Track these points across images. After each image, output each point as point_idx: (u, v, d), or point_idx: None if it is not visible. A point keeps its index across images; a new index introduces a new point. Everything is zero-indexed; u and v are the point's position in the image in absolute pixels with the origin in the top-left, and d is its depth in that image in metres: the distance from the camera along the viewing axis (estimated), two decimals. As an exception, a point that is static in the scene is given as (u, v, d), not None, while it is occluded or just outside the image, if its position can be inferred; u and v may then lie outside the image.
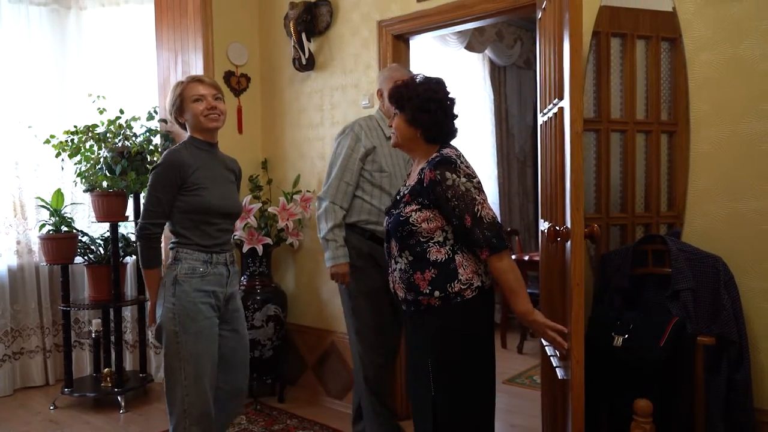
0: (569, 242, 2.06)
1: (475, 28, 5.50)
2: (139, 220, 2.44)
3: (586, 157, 2.81)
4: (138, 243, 2.45)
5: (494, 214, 2.10)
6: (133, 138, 4.08)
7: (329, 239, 2.88)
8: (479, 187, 2.10)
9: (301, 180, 4.10)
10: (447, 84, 2.23)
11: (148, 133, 4.18)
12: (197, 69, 4.07)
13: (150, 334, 4.57)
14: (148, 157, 4.14)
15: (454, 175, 2.06)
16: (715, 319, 2.32)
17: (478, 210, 2.05)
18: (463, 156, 2.17)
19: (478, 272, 2.13)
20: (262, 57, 4.35)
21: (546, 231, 2.49)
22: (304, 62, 3.93)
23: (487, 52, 6.14)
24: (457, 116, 2.22)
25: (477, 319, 2.15)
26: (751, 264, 2.43)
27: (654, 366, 2.26)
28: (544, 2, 2.64)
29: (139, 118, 4.17)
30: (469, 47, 5.81)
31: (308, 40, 3.92)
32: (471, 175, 2.10)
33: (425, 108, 2.13)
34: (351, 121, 3.05)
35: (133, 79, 4.66)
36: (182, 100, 2.49)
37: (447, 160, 2.09)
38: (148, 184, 2.44)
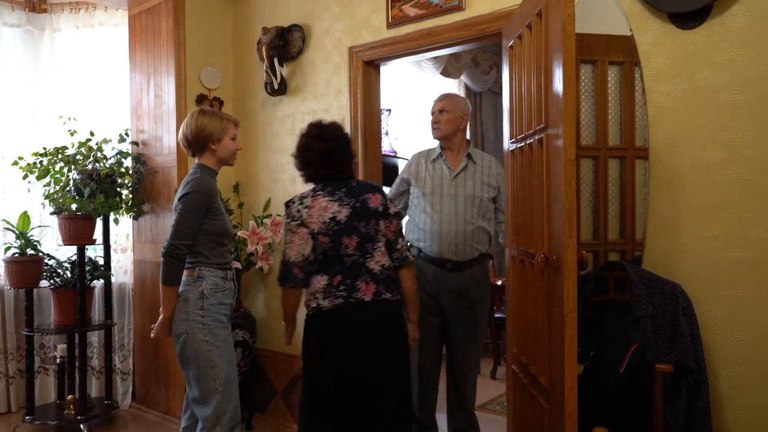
0: (559, 269, 2.07)
1: (450, 55, 5.57)
2: (169, 240, 2.61)
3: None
4: (165, 260, 2.61)
5: (293, 254, 2.52)
6: (104, 160, 4.05)
7: None
8: (291, 228, 2.55)
9: (272, 204, 4.09)
10: (325, 128, 2.69)
11: (119, 156, 4.15)
12: (170, 92, 4.08)
13: (117, 360, 4.49)
14: (118, 179, 4.11)
15: (285, 214, 2.60)
16: (674, 345, 2.33)
17: (285, 247, 2.56)
18: (310, 197, 2.58)
19: (316, 294, 2.52)
20: (235, 81, 4.36)
21: (528, 259, 2.47)
22: (276, 87, 3.95)
23: (463, 77, 6.21)
24: (328, 161, 2.62)
25: (309, 334, 2.57)
26: (709, 290, 2.45)
27: (614, 393, 2.26)
28: (519, 30, 2.67)
29: (110, 141, 4.14)
30: (445, 73, 5.88)
31: (281, 65, 3.94)
32: (293, 216, 2.56)
33: (296, 154, 2.72)
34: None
35: (106, 102, 4.64)
36: (225, 133, 2.78)
37: (289, 202, 2.62)
38: (180, 208, 2.64)
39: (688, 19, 2.50)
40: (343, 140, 2.69)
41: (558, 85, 2.09)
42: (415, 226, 3.12)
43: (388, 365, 2.50)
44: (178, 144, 4.02)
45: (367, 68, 3.63)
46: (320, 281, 2.53)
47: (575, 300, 2.03)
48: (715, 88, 2.45)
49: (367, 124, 3.61)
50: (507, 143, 2.85)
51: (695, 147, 2.50)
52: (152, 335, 2.74)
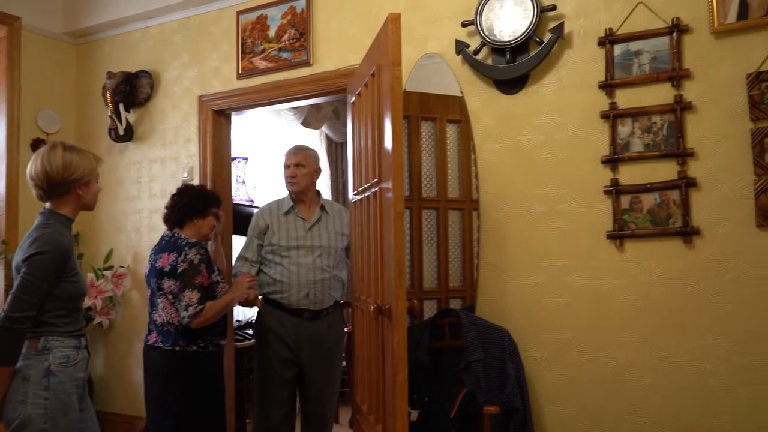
0: (391, 318, 2.12)
1: (312, 106, 5.66)
2: (7, 311, 2.09)
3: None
4: (2, 337, 2.10)
5: None
6: None
7: None
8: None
9: (115, 254, 3.86)
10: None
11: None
12: (0, 135, 3.77)
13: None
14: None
15: None
16: (503, 388, 2.47)
17: None
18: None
19: None
20: (78, 125, 4.13)
21: (365, 309, 2.51)
22: (121, 133, 3.79)
23: (324, 128, 6.33)
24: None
25: None
26: (533, 334, 2.64)
27: (447, 438, 2.34)
28: (359, 88, 2.79)
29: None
30: (306, 123, 5.96)
31: (127, 110, 3.80)
32: None
33: None
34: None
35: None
36: (93, 175, 2.30)
37: None
38: (25, 272, 2.12)
39: (509, 85, 2.76)
40: (181, 195, 2.78)
41: (388, 141, 2.20)
42: (270, 278, 3.07)
43: (154, 408, 2.68)
44: (8, 189, 3.72)
45: (217, 117, 3.60)
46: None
47: (405, 348, 2.10)
48: (534, 148, 2.70)
49: (216, 173, 3.56)
50: (351, 194, 2.93)
51: (519, 201, 2.72)
52: None
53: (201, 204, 2.73)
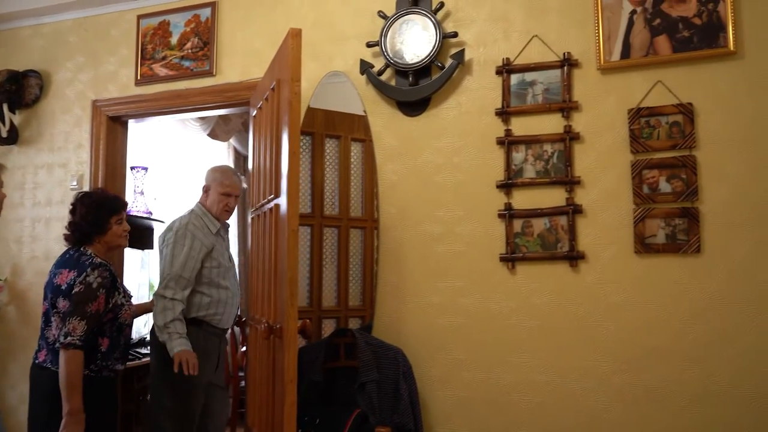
0: (282, 338, 2.06)
1: (220, 117, 5.52)
2: None
3: (301, 251, 2.89)
4: None
5: None
6: None
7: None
8: None
9: (-9, 266, 3.57)
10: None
11: None
12: None
13: None
14: None
15: None
16: (396, 408, 2.46)
17: None
18: None
19: None
20: (-45, 125, 3.80)
21: (259, 328, 2.44)
22: (4, 135, 3.53)
23: (232, 140, 6.18)
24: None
25: None
26: (428, 354, 2.66)
27: (337, 461, 2.30)
28: (260, 102, 2.73)
29: None
30: (213, 135, 5.79)
31: (12, 111, 3.54)
32: None
33: None
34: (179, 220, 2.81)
35: None
36: None
37: None
38: None
39: (412, 107, 2.80)
40: (74, 213, 2.51)
41: (284, 157, 2.17)
42: (210, 301, 2.84)
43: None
44: None
45: (112, 123, 3.42)
46: None
47: (296, 369, 2.05)
48: (433, 170, 2.75)
49: (108, 182, 3.37)
50: (249, 210, 2.86)
51: (418, 221, 2.75)
52: None
53: (96, 218, 2.44)
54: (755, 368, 2.28)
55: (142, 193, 4.54)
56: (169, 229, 2.82)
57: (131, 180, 4.30)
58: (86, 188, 3.38)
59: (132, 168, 4.35)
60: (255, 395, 2.61)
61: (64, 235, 2.49)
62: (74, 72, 3.53)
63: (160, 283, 2.64)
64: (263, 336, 2.24)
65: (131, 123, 3.58)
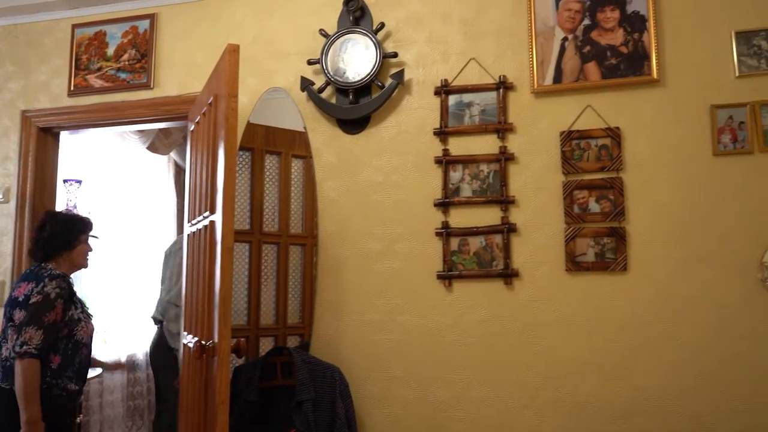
0: (216, 358, 2.01)
1: (160, 130, 5.39)
2: None
3: (239, 268, 2.86)
4: None
5: None
6: None
7: None
8: None
9: None
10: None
11: None
12: None
13: None
14: None
15: None
16: (332, 427, 2.44)
17: None
18: None
19: None
20: None
21: (192, 346, 2.38)
22: (-77, 145, 3.35)
23: (173, 154, 6.05)
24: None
25: None
26: (366, 372, 2.66)
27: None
28: (198, 116, 2.69)
29: None
30: (153, 148, 5.66)
31: (-66, 120, 3.37)
32: None
33: None
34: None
35: None
36: None
37: None
38: None
39: (352, 125, 2.82)
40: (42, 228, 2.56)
41: (220, 174, 2.14)
42: None
43: None
44: None
45: (42, 135, 3.30)
46: None
47: (228, 389, 2.01)
48: (372, 188, 2.76)
49: (36, 196, 3.24)
50: (186, 226, 2.81)
51: (357, 239, 2.75)
52: None
53: (66, 234, 2.52)
54: (678, 381, 2.37)
55: (75, 206, 4.38)
56: None
57: (63, 193, 4.15)
58: (13, 202, 3.24)
59: (65, 181, 4.20)
60: (186, 417, 2.54)
61: (29, 250, 2.55)
62: (3, 81, 3.39)
63: None
64: (195, 356, 2.19)
65: (65, 135, 3.46)
